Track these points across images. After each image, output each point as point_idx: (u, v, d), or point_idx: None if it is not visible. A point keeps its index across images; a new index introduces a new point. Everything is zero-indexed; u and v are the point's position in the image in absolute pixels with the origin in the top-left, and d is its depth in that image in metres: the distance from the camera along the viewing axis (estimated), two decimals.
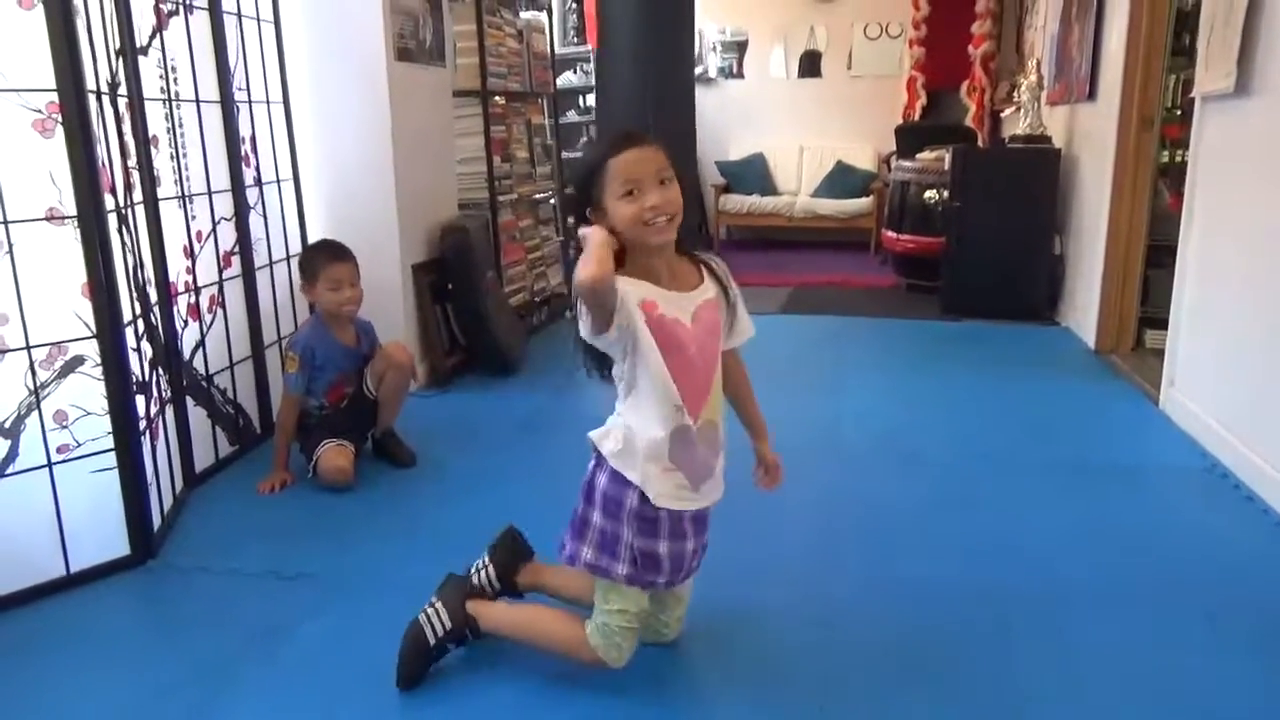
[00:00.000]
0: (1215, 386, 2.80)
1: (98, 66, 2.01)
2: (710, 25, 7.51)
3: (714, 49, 7.64)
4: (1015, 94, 5.03)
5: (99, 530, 2.00)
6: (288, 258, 3.00)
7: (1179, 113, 3.76)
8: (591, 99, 6.17)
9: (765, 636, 1.79)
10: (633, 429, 1.52)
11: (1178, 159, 3.66)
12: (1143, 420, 3.09)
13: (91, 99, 1.93)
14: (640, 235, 1.45)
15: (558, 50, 5.11)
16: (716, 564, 1.70)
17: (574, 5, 6.33)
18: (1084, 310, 4.13)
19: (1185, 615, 1.86)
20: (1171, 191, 3.79)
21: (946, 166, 4.95)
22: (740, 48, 7.66)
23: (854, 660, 1.70)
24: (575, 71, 6.09)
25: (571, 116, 6.13)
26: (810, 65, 7.56)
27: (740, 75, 7.70)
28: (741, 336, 1.63)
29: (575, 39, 6.22)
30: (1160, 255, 3.67)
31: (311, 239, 3.15)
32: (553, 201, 4.76)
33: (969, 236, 4.61)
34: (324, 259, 2.56)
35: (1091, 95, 4.15)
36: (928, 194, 5.16)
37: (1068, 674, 1.66)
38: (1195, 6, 3.27)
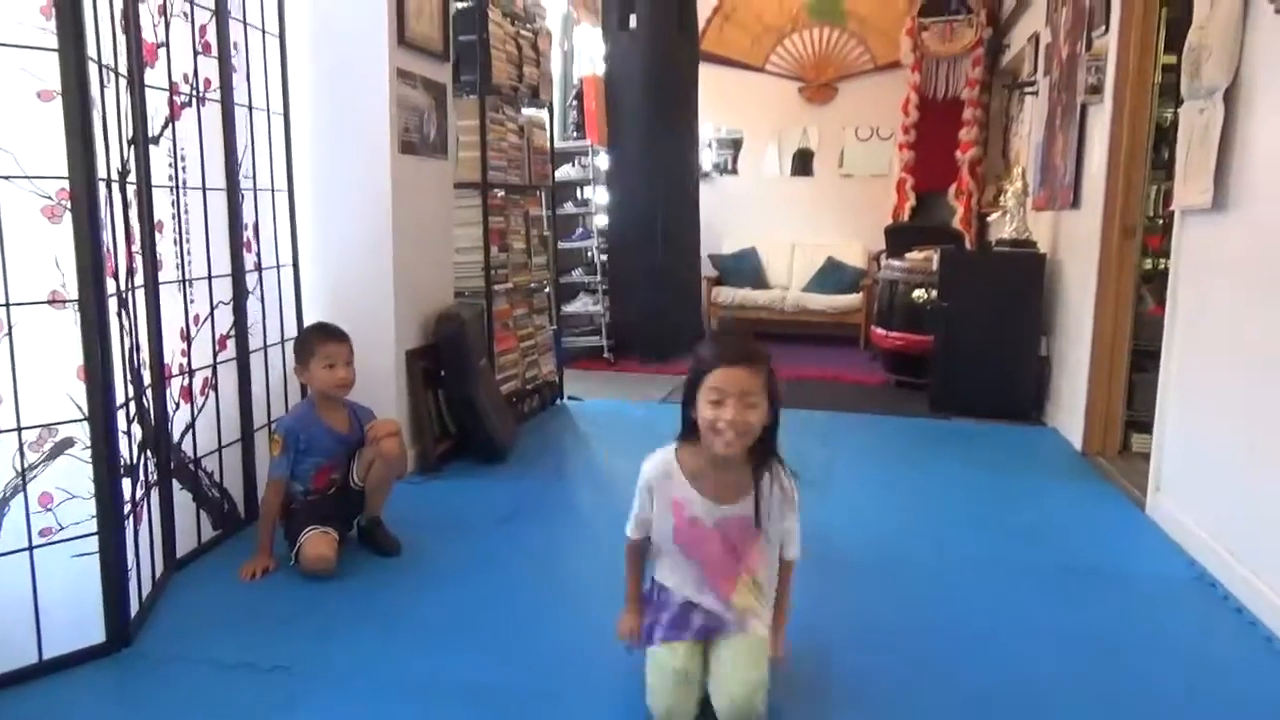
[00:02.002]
0: (1201, 494, 2.81)
1: (109, 155, 2.06)
2: (707, 123, 7.73)
3: (710, 146, 7.85)
4: (1001, 199, 5.18)
5: (75, 616, 1.97)
6: (283, 341, 3.03)
7: (1160, 222, 3.87)
8: (589, 191, 6.31)
9: None
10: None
11: (1160, 267, 3.75)
12: (1129, 525, 3.09)
13: (101, 186, 1.98)
14: (708, 438, 1.69)
15: (557, 145, 5.25)
16: None
17: (574, 102, 6.52)
18: (1070, 412, 4.17)
19: None
20: (1154, 298, 3.87)
21: (935, 267, 5.06)
22: (735, 145, 7.89)
23: None
24: (574, 165, 6.23)
25: (569, 208, 6.26)
26: (803, 164, 7.77)
27: (734, 171, 7.90)
28: (791, 554, 1.85)
29: (575, 134, 6.39)
30: (1144, 360, 3.73)
31: (308, 322, 3.19)
32: (547, 291, 4.83)
33: (957, 336, 4.68)
34: (319, 337, 2.60)
35: (1075, 203, 4.27)
36: (916, 293, 5.25)
37: None
38: (1174, 122, 3.40)
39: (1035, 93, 5.26)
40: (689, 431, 1.77)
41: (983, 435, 4.33)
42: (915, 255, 5.50)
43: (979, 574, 2.61)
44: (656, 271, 6.17)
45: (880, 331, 5.58)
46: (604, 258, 6.22)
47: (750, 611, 1.79)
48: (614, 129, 6.21)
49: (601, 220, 6.32)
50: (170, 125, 2.44)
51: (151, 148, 2.34)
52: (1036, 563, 2.70)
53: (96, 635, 2.00)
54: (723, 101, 7.61)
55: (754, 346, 1.71)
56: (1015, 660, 2.11)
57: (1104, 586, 2.55)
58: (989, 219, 6.20)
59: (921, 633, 2.23)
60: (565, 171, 6.17)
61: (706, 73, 7.44)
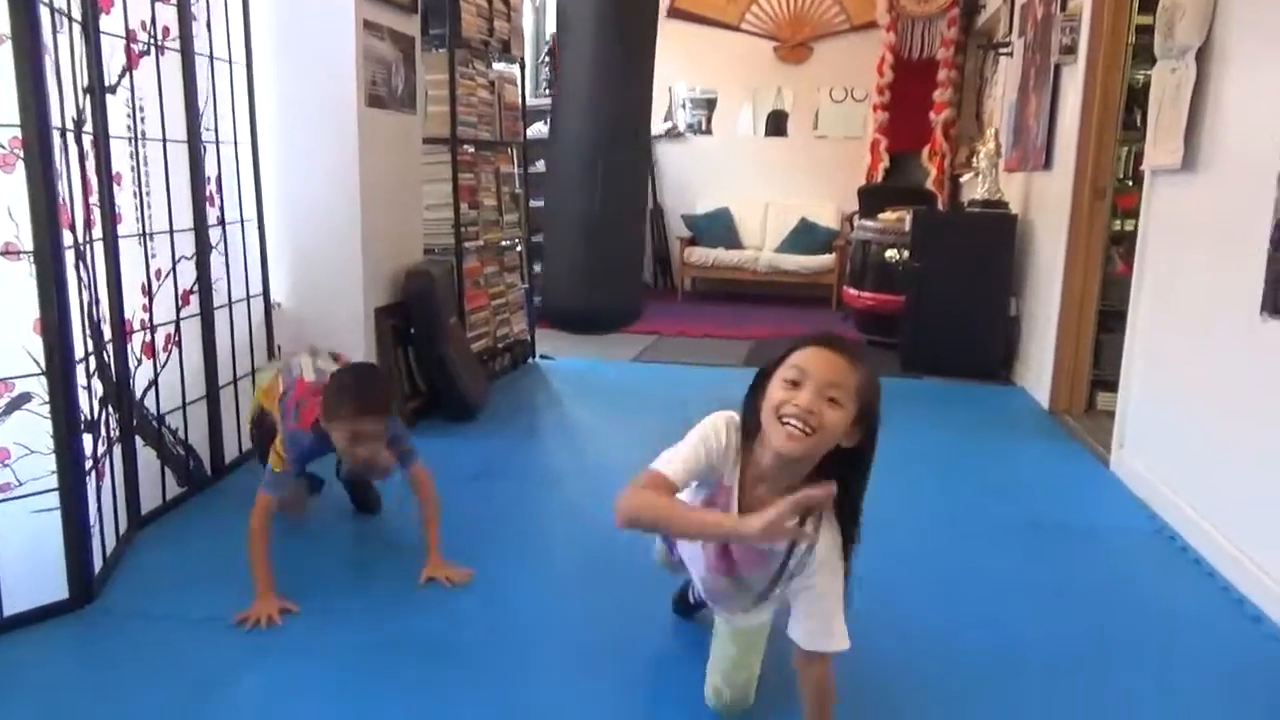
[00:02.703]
0: (1164, 450, 2.86)
1: (64, 103, 2.00)
2: (680, 83, 7.66)
3: (684, 106, 7.78)
4: (974, 160, 5.18)
5: (37, 572, 1.94)
6: (248, 298, 2.98)
7: (1130, 183, 3.89)
8: None
9: None
10: None
11: (1129, 228, 3.78)
12: (1094, 481, 3.13)
13: (56, 135, 1.92)
14: (770, 428, 1.37)
15: (529, 101, 5.17)
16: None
17: (546, 58, 6.43)
18: (1038, 371, 4.21)
19: (1134, 678, 1.87)
20: (1122, 259, 3.90)
21: (907, 227, 5.07)
22: (709, 105, 7.82)
23: None
24: (546, 122, 6.15)
25: (540, 166, 6.17)
26: (777, 125, 7.73)
27: (709, 132, 7.84)
28: (817, 645, 1.43)
29: (547, 90, 6.30)
30: (1112, 320, 3.76)
31: (274, 280, 3.14)
32: (519, 249, 4.78)
33: (928, 296, 4.70)
34: (351, 406, 2.03)
35: (1047, 164, 4.28)
36: (889, 253, 5.26)
37: None
38: (1146, 83, 3.41)
39: (1010, 53, 5.25)
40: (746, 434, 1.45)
41: (952, 394, 4.37)
42: (888, 216, 5.50)
43: (949, 529, 2.64)
44: (592, 225, 5.90)
45: (852, 292, 5.59)
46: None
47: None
48: (560, 66, 6.04)
49: None
50: (128, 74, 2.37)
51: (108, 97, 2.28)
52: (1004, 518, 2.74)
53: (59, 592, 1.97)
54: (697, 60, 7.53)
55: (858, 349, 1.43)
56: (984, 612, 2.15)
57: (1069, 541, 2.60)
58: (962, 180, 6.21)
59: (891, 586, 2.25)
60: (538, 129, 6.08)
61: (681, 31, 7.36)
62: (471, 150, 4.17)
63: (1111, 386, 3.44)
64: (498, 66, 4.43)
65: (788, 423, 1.34)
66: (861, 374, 1.37)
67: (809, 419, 1.33)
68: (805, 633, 1.43)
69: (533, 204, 5.39)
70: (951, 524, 2.69)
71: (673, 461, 1.45)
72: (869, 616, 2.03)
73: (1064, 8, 4.05)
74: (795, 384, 1.35)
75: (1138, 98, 3.80)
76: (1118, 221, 3.92)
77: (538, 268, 5.73)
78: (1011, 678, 1.87)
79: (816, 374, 1.35)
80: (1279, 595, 2.11)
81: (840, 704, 1.50)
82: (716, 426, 1.46)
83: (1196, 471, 2.61)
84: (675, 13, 7.41)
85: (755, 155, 7.74)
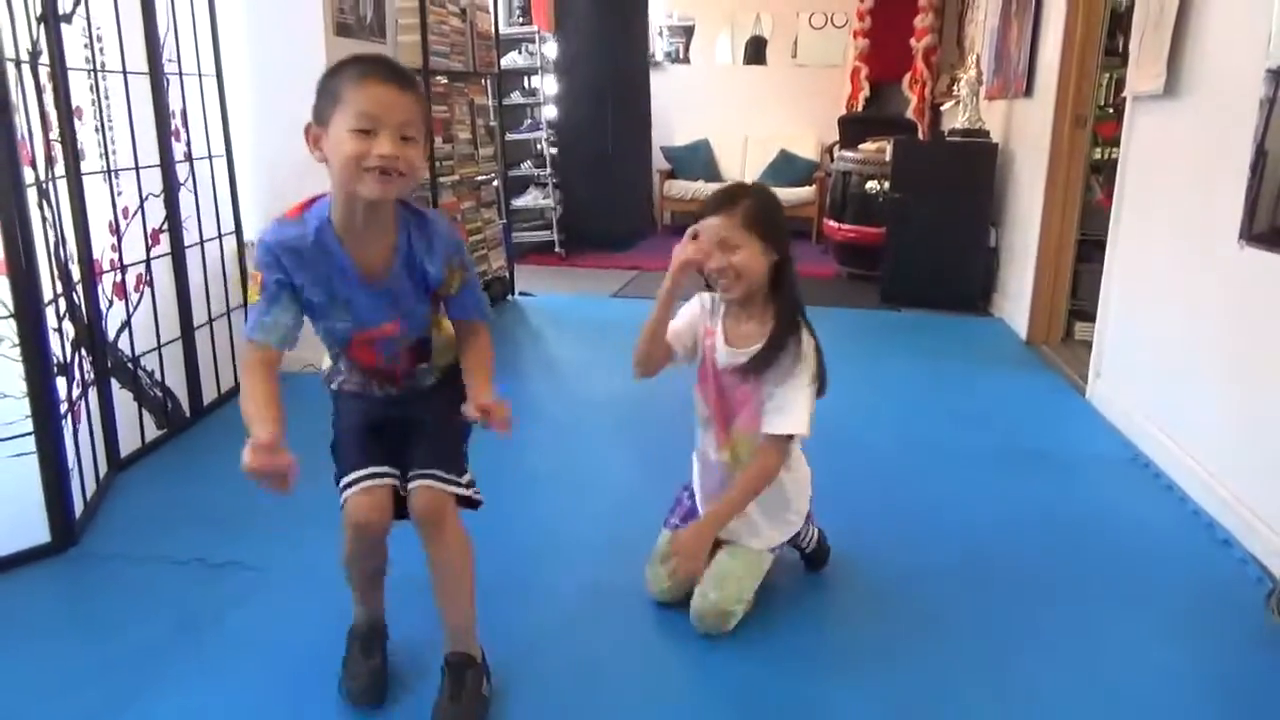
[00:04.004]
0: (1139, 379, 2.89)
1: (16, 33, 1.92)
2: (658, 9, 7.48)
3: (660, 34, 7.62)
4: (955, 88, 5.12)
5: (17, 517, 1.93)
6: (219, 236, 2.92)
7: (1111, 111, 3.86)
8: (537, 80, 6.09)
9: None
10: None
11: (1109, 156, 3.76)
12: (1070, 411, 3.18)
13: (10, 68, 1.85)
14: (716, 291, 1.71)
15: (502, 31, 5.04)
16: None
17: None
18: (1016, 302, 4.23)
19: (1105, 600, 1.92)
20: (1103, 188, 3.90)
21: (888, 158, 5.02)
22: (687, 33, 7.66)
23: (775, 645, 1.73)
24: (520, 52, 5.99)
25: (516, 98, 6.05)
26: (756, 52, 7.59)
27: (686, 60, 7.69)
28: (772, 426, 1.68)
29: (521, 19, 6.13)
30: (1090, 250, 3.77)
31: (245, 216, 3.08)
32: (496, 184, 4.71)
33: (908, 227, 4.69)
34: (359, 74, 1.31)
35: (1028, 92, 4.23)
36: (869, 185, 5.23)
37: (989, 656, 1.71)
38: (1129, 8, 3.36)
39: None
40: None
41: (932, 326, 4.39)
42: (868, 146, 5.45)
43: (929, 458, 2.68)
44: (606, 160, 6.05)
45: (832, 224, 5.56)
46: (554, 150, 6.06)
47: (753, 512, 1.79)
48: (560, 11, 5.97)
49: (551, 112, 6.13)
50: (82, 2, 2.28)
51: (64, 26, 2.19)
52: (979, 446, 2.77)
53: (41, 535, 1.97)
54: None
55: (735, 191, 1.68)
56: (964, 534, 2.19)
57: (1043, 468, 2.64)
58: (943, 109, 6.14)
59: (874, 512, 2.29)
60: (512, 59, 5.95)
61: None
62: (444, 81, 4.07)
63: (1089, 317, 3.46)
64: None
65: (715, 282, 1.68)
66: (743, 214, 1.63)
67: (725, 273, 1.65)
68: (768, 420, 1.70)
69: (509, 137, 5.32)
70: (931, 451, 2.72)
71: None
72: (841, 537, 2.08)
73: None
74: (699, 249, 1.64)
75: (1120, 23, 3.75)
76: (1099, 150, 3.91)
77: (516, 202, 5.71)
78: (980, 598, 1.91)
79: (712, 238, 1.64)
80: (1249, 520, 2.16)
81: (811, 630, 1.52)
82: (692, 301, 1.80)
83: (1171, 399, 2.65)
84: None
85: (734, 84, 7.61)
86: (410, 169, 1.32)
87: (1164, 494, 2.48)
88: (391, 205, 1.39)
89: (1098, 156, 3.91)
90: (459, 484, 1.51)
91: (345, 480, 1.47)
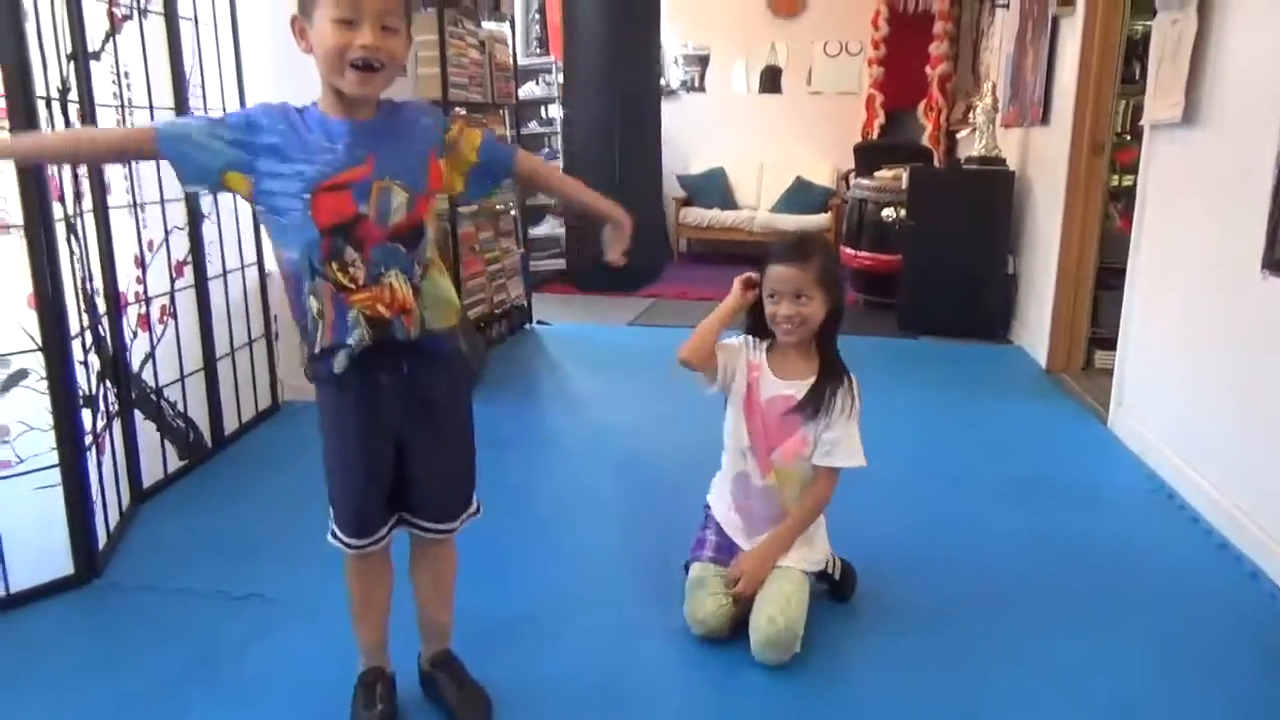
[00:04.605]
0: (1161, 408, 2.86)
1: (47, 72, 1.96)
2: (673, 38, 7.55)
3: (676, 62, 7.67)
4: (971, 115, 5.13)
5: (41, 549, 1.94)
6: (242, 267, 2.96)
7: (1129, 138, 3.85)
8: (554, 110, 6.15)
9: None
10: (722, 461, 1.95)
11: (1127, 183, 3.75)
12: (1092, 440, 3.15)
13: (41, 105, 1.89)
14: (775, 329, 1.82)
15: (520, 61, 5.10)
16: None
17: (537, 16, 6.32)
18: (1036, 329, 4.21)
19: (1131, 633, 1.89)
20: (1121, 215, 3.88)
21: (904, 185, 5.03)
22: (702, 62, 7.71)
23: (807, 685, 1.71)
24: (538, 82, 6.06)
25: (534, 127, 6.11)
26: (771, 81, 7.63)
27: (702, 89, 7.74)
28: (830, 459, 1.82)
29: (538, 50, 6.20)
30: (1110, 277, 3.75)
31: (266, 247, 3.11)
32: (513, 213, 4.74)
33: (925, 255, 4.68)
34: None
35: (1045, 119, 4.23)
36: (885, 212, 5.22)
37: (1016, 691, 1.69)
38: (1145, 35, 3.36)
39: (1006, 5, 5.16)
40: (762, 325, 1.86)
41: (950, 354, 4.37)
42: (884, 174, 5.45)
43: (949, 487, 2.66)
44: (615, 190, 6.04)
45: (849, 251, 5.56)
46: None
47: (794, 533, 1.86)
48: (569, 38, 6.02)
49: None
50: (111, 40, 2.32)
51: (92, 64, 2.23)
52: (1000, 476, 2.75)
53: (64, 567, 1.98)
54: (689, 15, 7.41)
55: (806, 244, 1.83)
56: (985, 566, 2.17)
57: (1066, 498, 2.61)
58: (958, 136, 6.15)
59: (894, 543, 2.27)
60: (529, 89, 6.01)
61: None
62: (463, 113, 4.11)
63: (1110, 344, 3.43)
64: (488, 25, 4.36)
65: (780, 326, 1.80)
66: (815, 268, 1.77)
67: (793, 320, 1.79)
68: (829, 454, 1.83)
69: None
70: (947, 481, 2.70)
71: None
72: (864, 565, 2.06)
73: None
74: (774, 296, 1.79)
75: (1136, 50, 3.75)
76: (1116, 177, 3.90)
77: (534, 231, 5.74)
78: (1002, 627, 1.90)
79: (786, 288, 1.77)
80: (1276, 552, 2.13)
81: (835, 669, 1.51)
82: (735, 341, 1.91)
83: (1195, 429, 2.62)
84: None
85: (749, 113, 7.65)
86: (392, 59, 1.31)
87: (1189, 526, 2.45)
88: (375, 101, 1.37)
89: (1115, 183, 3.90)
90: (465, 517, 1.52)
91: (341, 539, 1.47)
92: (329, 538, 1.49)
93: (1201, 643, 1.88)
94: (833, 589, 2.00)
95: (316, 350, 1.38)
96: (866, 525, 2.38)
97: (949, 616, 1.94)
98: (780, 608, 1.74)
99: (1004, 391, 3.74)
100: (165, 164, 2.36)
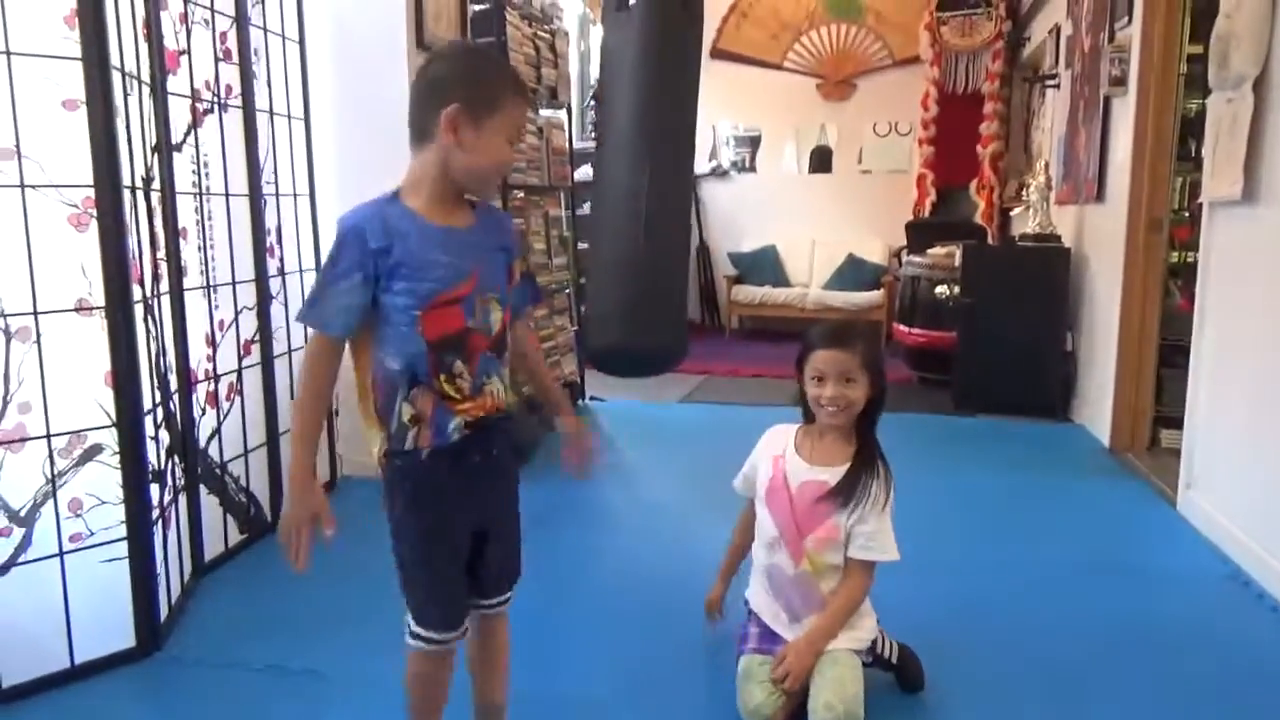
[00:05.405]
0: (1234, 490, 2.77)
1: (133, 162, 2.07)
2: (724, 121, 7.72)
3: (727, 143, 7.83)
4: (1024, 193, 5.13)
5: (105, 621, 1.98)
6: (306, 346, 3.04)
7: (1186, 215, 3.81)
8: None
9: None
10: (753, 555, 1.96)
11: (1187, 259, 3.70)
12: (1160, 523, 3.04)
13: (126, 194, 1.99)
14: (817, 411, 1.83)
15: (576, 145, 5.25)
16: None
17: (592, 102, 6.52)
18: (1097, 407, 4.12)
19: None
20: (1183, 292, 3.82)
21: (957, 262, 5.02)
22: (753, 143, 7.85)
23: None
24: (591, 165, 6.24)
25: (588, 209, 6.25)
26: (821, 161, 7.73)
27: (753, 169, 7.87)
28: (868, 553, 1.80)
29: (593, 134, 6.39)
30: (1173, 355, 3.67)
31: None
32: (568, 291, 4.82)
33: (981, 332, 4.63)
34: (512, 88, 1.44)
35: (1100, 197, 4.22)
36: (939, 289, 5.21)
37: None
38: (1200, 113, 3.35)
39: (1057, 85, 5.21)
40: (807, 410, 1.89)
41: (1008, 432, 4.28)
42: (937, 251, 5.45)
43: (1011, 573, 2.58)
44: (636, 265, 5.90)
45: (902, 328, 5.54)
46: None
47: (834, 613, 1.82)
48: (603, 112, 6.13)
49: None
50: (193, 132, 2.46)
51: (175, 155, 2.36)
52: (1065, 561, 2.67)
53: (126, 640, 2.01)
54: (740, 99, 7.58)
55: (850, 329, 1.88)
56: (1052, 656, 2.10)
57: (1135, 584, 2.52)
58: (1012, 214, 6.15)
59: (957, 633, 2.20)
60: (584, 172, 6.15)
61: (724, 71, 7.43)
62: (521, 195, 4.23)
63: (1175, 423, 3.34)
64: (545, 112, 4.51)
65: (825, 408, 1.80)
66: (860, 353, 1.79)
67: (839, 402, 1.79)
68: (864, 548, 1.80)
69: (581, 246, 5.45)
70: (1012, 567, 2.62)
71: (739, 476, 2.00)
72: (926, 650, 2.00)
73: (1112, 39, 4.02)
74: (820, 379, 1.80)
75: (1191, 127, 3.74)
76: (1174, 254, 3.85)
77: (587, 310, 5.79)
78: (1067, 715, 1.83)
79: (832, 371, 1.79)
80: None
81: None
82: (764, 437, 1.98)
83: (1272, 512, 2.52)
84: (718, 53, 7.49)
85: (800, 192, 7.74)
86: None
87: (1268, 614, 2.34)
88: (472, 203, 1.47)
89: (1174, 259, 3.85)
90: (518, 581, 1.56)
91: (428, 637, 1.45)
92: (408, 639, 1.47)
93: None
94: (899, 679, 1.94)
95: (406, 448, 1.39)
96: (926, 609, 2.32)
97: (1013, 704, 1.88)
98: (836, 693, 1.70)
99: (1066, 471, 3.65)
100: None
